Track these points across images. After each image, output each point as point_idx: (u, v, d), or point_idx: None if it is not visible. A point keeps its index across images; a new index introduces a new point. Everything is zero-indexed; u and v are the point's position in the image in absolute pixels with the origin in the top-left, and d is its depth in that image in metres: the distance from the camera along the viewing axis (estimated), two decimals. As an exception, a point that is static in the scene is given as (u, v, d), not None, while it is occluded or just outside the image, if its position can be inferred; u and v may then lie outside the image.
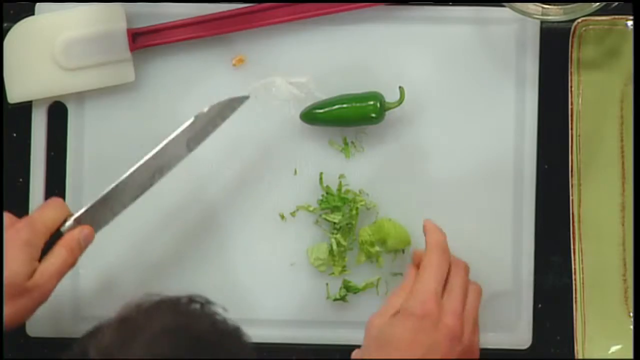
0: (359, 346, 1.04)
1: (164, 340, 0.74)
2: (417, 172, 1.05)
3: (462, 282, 0.96)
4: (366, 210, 1.05)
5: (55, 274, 0.93)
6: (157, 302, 0.79)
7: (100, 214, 0.96)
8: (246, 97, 1.00)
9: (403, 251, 1.05)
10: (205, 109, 0.98)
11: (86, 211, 0.96)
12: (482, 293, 1.04)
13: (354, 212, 1.04)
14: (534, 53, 1.04)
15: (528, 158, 1.04)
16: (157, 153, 0.97)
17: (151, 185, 0.97)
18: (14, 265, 0.91)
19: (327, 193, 1.04)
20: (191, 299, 0.79)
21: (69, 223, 0.95)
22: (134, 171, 0.96)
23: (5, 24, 1.05)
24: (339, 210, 1.04)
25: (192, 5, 1.04)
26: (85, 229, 0.95)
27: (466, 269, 0.98)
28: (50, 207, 0.96)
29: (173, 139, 0.97)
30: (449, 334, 0.93)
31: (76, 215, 0.96)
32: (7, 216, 0.94)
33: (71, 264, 0.95)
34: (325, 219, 1.04)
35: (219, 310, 0.79)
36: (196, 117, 0.98)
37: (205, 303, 0.79)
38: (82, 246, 0.95)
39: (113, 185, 0.96)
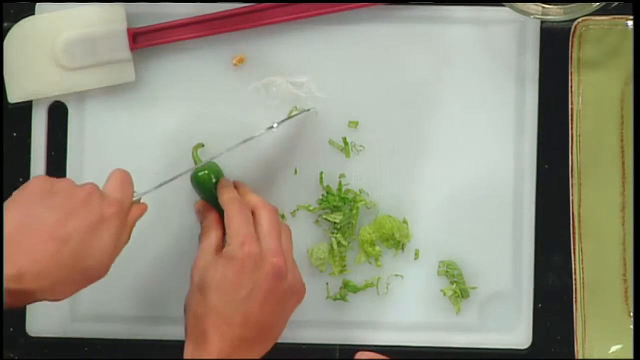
0: (359, 346, 1.04)
1: None
2: (417, 171, 1.05)
3: (273, 222, 0.96)
4: (366, 210, 1.05)
5: (116, 255, 0.91)
6: None
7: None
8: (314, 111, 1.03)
9: (403, 248, 1.05)
10: (275, 124, 1.01)
11: (145, 192, 0.95)
12: (482, 293, 1.05)
13: (354, 211, 1.04)
14: (534, 53, 1.04)
15: (528, 158, 1.04)
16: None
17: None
18: (102, 254, 0.89)
19: (327, 193, 1.04)
20: None
21: (134, 199, 0.94)
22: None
23: (5, 24, 1.05)
24: (339, 210, 1.04)
25: (193, 4, 1.04)
26: (144, 208, 0.95)
27: (272, 210, 0.97)
28: (130, 185, 0.94)
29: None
30: (273, 271, 0.93)
31: (137, 195, 0.94)
32: (92, 185, 0.92)
33: (127, 242, 0.93)
34: (326, 219, 1.05)
35: None
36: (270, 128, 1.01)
37: None
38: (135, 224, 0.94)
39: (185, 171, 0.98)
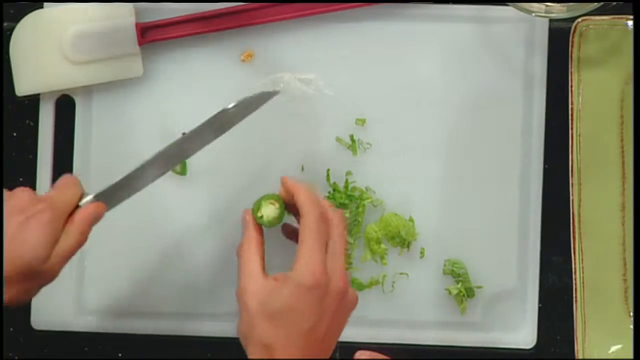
0: (362, 344, 1.04)
1: None
2: (424, 170, 1.05)
3: (342, 242, 0.96)
4: (372, 208, 1.05)
5: (68, 255, 0.91)
6: None
7: (116, 194, 0.94)
8: (276, 92, 1.00)
9: (408, 247, 1.05)
10: (232, 104, 0.98)
11: (103, 191, 0.93)
12: (487, 293, 1.05)
13: (360, 209, 1.04)
14: (540, 52, 1.05)
15: (535, 157, 1.05)
16: (181, 139, 0.96)
17: (170, 169, 0.97)
18: (35, 248, 0.89)
19: (334, 190, 1.04)
20: None
21: (85, 200, 0.92)
22: (157, 155, 0.95)
23: (5, 24, 1.04)
24: (346, 208, 1.04)
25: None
26: (98, 208, 0.93)
27: (342, 224, 0.97)
28: (69, 185, 0.93)
29: (199, 127, 0.96)
30: (339, 296, 0.93)
31: (93, 195, 0.93)
32: (27, 194, 0.91)
33: (83, 243, 0.92)
34: None
35: None
36: (224, 110, 0.97)
37: None
38: (92, 225, 0.93)
39: (135, 167, 0.95)
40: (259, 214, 0.97)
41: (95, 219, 0.93)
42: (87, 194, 0.92)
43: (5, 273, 0.88)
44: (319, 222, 0.94)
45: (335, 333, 0.94)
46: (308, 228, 0.94)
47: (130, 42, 1.03)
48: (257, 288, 0.93)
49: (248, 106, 0.98)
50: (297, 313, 0.91)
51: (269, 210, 0.97)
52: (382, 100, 1.05)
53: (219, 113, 0.97)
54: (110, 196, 0.94)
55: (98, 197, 0.93)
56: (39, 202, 0.90)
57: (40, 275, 0.90)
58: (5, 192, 0.91)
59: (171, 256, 1.05)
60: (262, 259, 0.95)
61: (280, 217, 0.98)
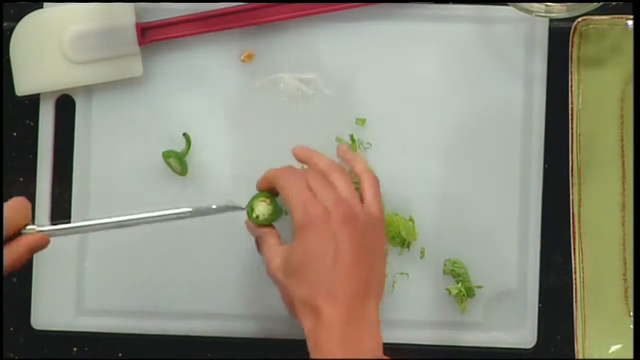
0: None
1: None
2: (424, 170, 1.05)
3: (321, 177, 0.95)
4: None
5: None
6: None
7: (64, 233, 0.94)
8: (242, 208, 0.99)
9: (408, 247, 1.05)
10: (189, 209, 0.96)
11: (49, 230, 0.93)
12: (488, 292, 1.05)
13: None
14: (541, 52, 1.05)
15: (535, 157, 1.05)
16: (139, 219, 0.95)
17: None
18: None
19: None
20: None
21: (29, 228, 0.91)
22: (110, 222, 0.94)
23: (5, 24, 1.04)
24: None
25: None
26: (43, 241, 0.91)
27: (311, 154, 0.98)
28: (17, 212, 0.91)
29: (157, 215, 0.96)
30: (344, 218, 0.92)
31: (40, 228, 0.92)
32: None
33: (15, 268, 0.91)
34: None
35: None
36: (181, 213, 0.96)
37: None
38: (32, 254, 0.92)
39: (86, 224, 0.94)
40: (254, 216, 0.98)
41: (36, 249, 0.91)
42: (33, 226, 0.92)
43: None
44: (287, 174, 0.96)
45: (370, 260, 0.93)
46: (279, 186, 0.96)
47: (130, 42, 1.03)
48: (279, 259, 0.94)
49: (204, 212, 0.98)
50: (312, 256, 0.91)
51: (262, 208, 0.98)
52: (382, 100, 1.05)
53: (175, 213, 0.96)
54: (55, 234, 0.93)
55: (43, 232, 0.92)
56: None
57: None
58: None
59: (171, 256, 1.05)
60: (277, 237, 0.97)
61: (275, 211, 0.99)
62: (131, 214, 0.94)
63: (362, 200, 0.96)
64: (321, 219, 0.92)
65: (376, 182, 0.98)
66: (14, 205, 0.91)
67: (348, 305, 0.90)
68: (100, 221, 0.94)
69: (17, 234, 0.90)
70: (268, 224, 0.99)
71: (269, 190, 0.99)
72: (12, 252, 0.90)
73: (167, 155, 1.03)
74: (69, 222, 0.94)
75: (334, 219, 0.92)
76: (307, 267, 0.92)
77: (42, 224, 1.04)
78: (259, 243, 0.99)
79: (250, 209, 0.99)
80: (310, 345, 0.91)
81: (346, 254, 0.91)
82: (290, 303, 0.94)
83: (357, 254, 0.92)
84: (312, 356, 0.91)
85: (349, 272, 0.91)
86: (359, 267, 0.92)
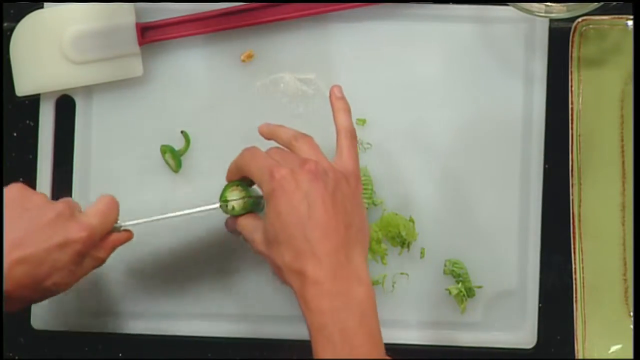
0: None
1: None
2: (424, 170, 1.05)
3: (280, 148, 0.96)
4: (373, 208, 1.05)
5: (84, 275, 0.93)
6: None
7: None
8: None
9: (408, 247, 1.05)
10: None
11: (132, 224, 0.96)
12: (488, 293, 1.05)
13: (365, 202, 1.04)
14: (541, 53, 1.05)
15: (535, 157, 1.05)
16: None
17: None
18: (61, 277, 0.90)
19: None
20: None
21: (115, 226, 0.94)
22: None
23: (5, 24, 1.04)
24: None
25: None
26: (129, 236, 0.95)
27: (285, 132, 0.97)
28: (112, 212, 0.94)
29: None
30: (310, 175, 0.91)
31: (124, 225, 0.95)
32: (68, 211, 0.91)
33: (101, 265, 0.94)
34: None
35: None
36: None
37: None
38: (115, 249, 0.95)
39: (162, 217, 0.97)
40: (229, 208, 0.97)
41: (121, 244, 0.95)
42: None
43: (21, 291, 0.88)
44: (247, 152, 0.95)
45: (347, 211, 0.91)
46: (242, 164, 0.95)
47: (130, 42, 1.03)
48: (259, 234, 0.94)
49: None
50: (287, 219, 0.90)
51: (234, 196, 0.97)
52: (382, 100, 1.05)
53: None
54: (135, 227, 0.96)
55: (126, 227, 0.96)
56: (82, 229, 0.91)
57: (52, 293, 0.91)
58: (47, 200, 0.91)
59: (171, 256, 1.05)
60: (255, 217, 0.96)
61: (248, 194, 0.97)
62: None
63: (339, 155, 0.95)
64: (288, 181, 0.90)
65: (352, 134, 0.97)
66: (111, 204, 0.94)
67: (331, 262, 0.89)
68: (170, 215, 0.97)
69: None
70: (242, 212, 0.98)
71: (240, 180, 0.98)
72: (98, 255, 0.93)
73: (163, 150, 1.03)
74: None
75: (301, 179, 0.90)
76: (284, 233, 0.90)
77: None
78: (239, 227, 0.97)
79: (224, 203, 0.97)
80: (301, 307, 0.90)
81: (319, 212, 0.90)
82: (279, 273, 0.92)
83: (331, 210, 0.90)
84: (304, 317, 0.90)
85: (325, 229, 0.90)
86: (335, 223, 0.90)
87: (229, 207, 0.97)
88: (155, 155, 1.04)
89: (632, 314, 1.04)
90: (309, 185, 0.90)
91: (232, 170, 0.98)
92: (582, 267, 1.04)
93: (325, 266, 0.89)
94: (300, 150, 0.94)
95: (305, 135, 0.96)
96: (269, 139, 0.99)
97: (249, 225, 0.96)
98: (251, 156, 0.95)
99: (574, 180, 1.04)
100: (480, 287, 1.05)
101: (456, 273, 1.05)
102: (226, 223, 1.00)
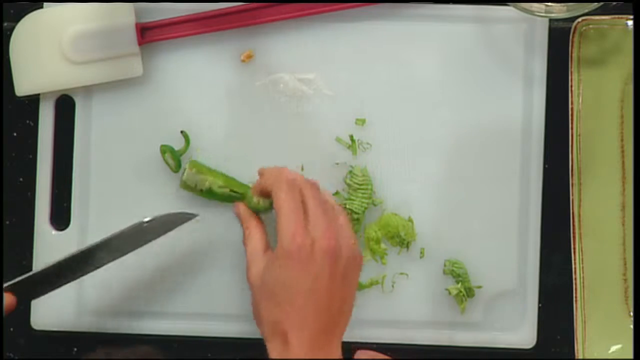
0: (362, 344, 1.04)
1: None
2: (423, 170, 1.05)
3: (318, 202, 0.96)
4: (372, 208, 1.05)
5: None
6: None
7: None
8: (194, 215, 1.01)
9: (408, 247, 1.05)
10: (147, 219, 0.98)
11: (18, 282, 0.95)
12: (487, 293, 1.05)
13: (365, 202, 1.04)
14: (540, 53, 1.05)
15: (535, 157, 1.05)
16: (93, 247, 0.97)
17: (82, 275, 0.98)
18: None
19: (350, 173, 1.04)
20: None
21: None
22: (69, 258, 0.97)
23: (5, 24, 1.05)
24: (365, 188, 1.04)
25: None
26: (8, 298, 0.94)
27: (315, 187, 0.98)
28: None
29: (113, 236, 0.97)
30: (327, 254, 0.93)
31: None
32: None
33: None
34: (350, 209, 1.04)
35: None
36: (140, 223, 0.98)
37: None
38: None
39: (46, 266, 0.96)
40: (255, 200, 1.00)
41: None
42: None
43: None
44: (286, 190, 0.96)
45: (342, 298, 0.94)
46: (277, 197, 0.96)
47: (130, 42, 1.02)
48: (258, 267, 0.96)
49: (164, 224, 0.99)
50: (290, 283, 0.92)
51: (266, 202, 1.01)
52: (382, 100, 1.05)
53: (133, 226, 0.98)
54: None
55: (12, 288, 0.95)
56: None
57: None
58: None
59: (171, 256, 1.05)
60: (264, 238, 0.98)
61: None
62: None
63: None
64: (306, 251, 0.93)
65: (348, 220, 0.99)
66: None
67: (315, 340, 0.92)
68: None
69: None
70: (265, 211, 1.01)
71: (257, 191, 1.01)
72: None
73: (163, 149, 1.03)
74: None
75: (317, 253, 0.93)
76: (282, 295, 0.93)
77: (43, 223, 1.04)
78: (245, 237, 0.99)
79: (250, 195, 1.00)
80: None
81: (322, 290, 0.93)
82: (258, 317, 0.95)
83: (333, 291, 0.93)
84: None
85: (321, 307, 0.92)
86: (331, 304, 0.93)
87: (255, 200, 1.00)
88: (155, 155, 1.04)
89: (632, 314, 1.04)
90: (322, 262, 0.93)
91: (261, 188, 1.00)
92: (582, 267, 1.04)
93: (308, 341, 0.91)
94: (305, 200, 0.96)
95: (312, 186, 0.98)
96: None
97: (254, 251, 0.97)
98: (286, 198, 0.96)
99: (574, 180, 1.04)
100: (479, 287, 1.05)
101: (456, 273, 1.05)
102: (237, 210, 1.01)
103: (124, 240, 0.97)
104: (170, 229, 1.00)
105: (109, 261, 0.97)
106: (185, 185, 1.02)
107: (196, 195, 1.03)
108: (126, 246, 0.98)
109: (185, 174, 1.02)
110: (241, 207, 1.01)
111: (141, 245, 0.98)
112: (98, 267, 0.97)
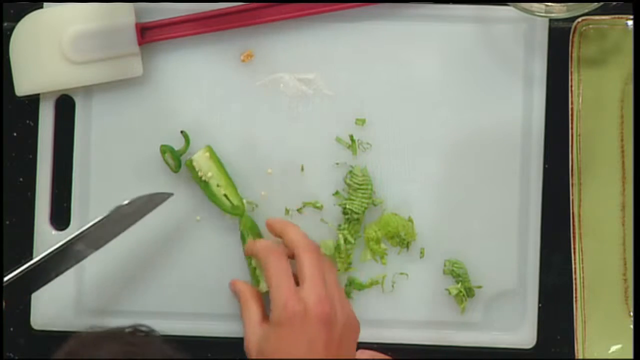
0: (362, 344, 1.04)
1: None
2: (423, 170, 1.05)
3: (312, 267, 0.97)
4: (372, 207, 1.05)
5: None
6: (102, 334, 0.78)
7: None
8: (170, 194, 1.01)
9: (408, 247, 1.05)
10: (126, 201, 0.99)
11: None
12: (487, 293, 1.05)
13: (365, 202, 1.04)
14: (541, 52, 1.05)
15: (535, 157, 1.05)
16: (75, 237, 0.97)
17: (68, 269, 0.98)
18: None
19: (350, 173, 1.04)
20: (135, 329, 0.79)
21: None
22: (53, 252, 0.97)
23: (5, 24, 1.05)
24: (365, 187, 1.04)
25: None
26: None
27: (310, 250, 0.99)
28: None
29: (94, 224, 0.98)
30: (322, 321, 0.94)
31: None
32: None
33: None
34: (350, 209, 1.04)
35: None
36: (119, 206, 0.98)
37: (150, 332, 0.80)
38: None
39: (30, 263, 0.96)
40: (260, 287, 1.02)
41: None
42: None
43: None
44: (273, 260, 0.97)
45: (340, 356, 0.95)
46: (266, 268, 0.97)
47: (130, 42, 1.02)
48: (255, 337, 0.97)
49: (143, 205, 1.00)
50: (286, 350, 0.93)
51: None
52: (382, 100, 1.05)
53: (113, 210, 0.98)
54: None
55: None
56: None
57: None
58: None
59: (171, 256, 1.05)
60: (260, 310, 1.00)
61: None
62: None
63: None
64: (299, 319, 0.93)
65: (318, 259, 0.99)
66: None
67: None
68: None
69: None
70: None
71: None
72: None
73: (163, 150, 1.03)
74: None
75: (310, 321, 0.93)
76: None
77: (43, 223, 1.04)
78: (242, 310, 1.01)
79: (256, 280, 1.02)
80: None
81: (319, 357, 0.93)
82: None
83: (329, 356, 0.93)
84: None
85: None
86: None
87: (260, 287, 1.02)
88: (155, 155, 1.04)
89: (632, 314, 1.04)
90: (317, 328, 0.93)
91: (249, 252, 1.01)
92: (582, 267, 1.04)
93: None
94: (302, 265, 0.96)
95: (311, 250, 0.98)
96: (277, 235, 1.01)
97: (251, 323, 0.99)
98: (275, 269, 0.97)
99: (574, 180, 1.04)
100: (479, 287, 1.05)
101: (456, 273, 1.05)
102: (232, 285, 1.04)
103: (106, 225, 0.98)
104: (149, 210, 1.00)
105: (89, 253, 0.98)
106: (191, 165, 1.02)
107: (194, 180, 1.03)
108: (109, 232, 0.98)
109: (197, 153, 1.02)
110: (238, 283, 1.03)
111: (124, 230, 0.99)
112: (82, 260, 0.98)
